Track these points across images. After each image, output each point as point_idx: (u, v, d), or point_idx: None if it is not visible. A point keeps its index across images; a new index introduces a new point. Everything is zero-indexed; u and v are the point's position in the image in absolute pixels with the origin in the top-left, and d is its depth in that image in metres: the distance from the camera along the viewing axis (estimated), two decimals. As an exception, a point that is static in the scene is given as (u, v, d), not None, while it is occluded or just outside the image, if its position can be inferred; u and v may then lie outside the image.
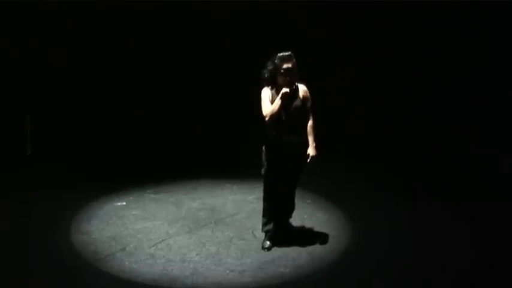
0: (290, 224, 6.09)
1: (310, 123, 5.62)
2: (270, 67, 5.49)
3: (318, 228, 6.30)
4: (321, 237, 6.04)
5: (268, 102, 5.49)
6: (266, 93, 5.53)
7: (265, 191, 5.78)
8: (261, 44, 8.50)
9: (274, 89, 5.53)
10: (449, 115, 8.86)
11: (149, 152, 8.55)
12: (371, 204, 6.96)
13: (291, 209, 5.96)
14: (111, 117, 9.01)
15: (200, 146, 8.69)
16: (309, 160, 5.57)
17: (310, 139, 5.60)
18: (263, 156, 5.67)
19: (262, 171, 5.70)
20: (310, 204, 6.94)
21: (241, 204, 6.98)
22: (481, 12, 8.50)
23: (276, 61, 5.45)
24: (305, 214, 6.62)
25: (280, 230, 5.85)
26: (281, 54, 5.45)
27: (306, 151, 5.60)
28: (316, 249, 5.79)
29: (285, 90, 5.39)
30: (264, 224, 5.85)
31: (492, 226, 6.38)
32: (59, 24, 8.72)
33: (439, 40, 8.94)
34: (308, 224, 6.39)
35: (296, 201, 5.97)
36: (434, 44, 8.97)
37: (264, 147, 5.66)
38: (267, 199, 5.79)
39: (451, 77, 8.89)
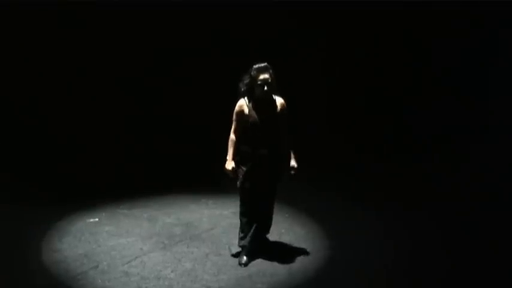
0: (267, 239, 6.15)
1: (287, 136, 5.73)
2: (246, 80, 5.58)
3: (296, 242, 6.37)
4: (299, 252, 6.10)
5: (236, 124, 5.63)
6: (240, 110, 5.61)
7: (241, 206, 5.85)
8: (235, 53, 8.65)
9: (251, 102, 5.61)
10: (422, 124, 9.02)
11: (122, 167, 8.53)
12: (349, 218, 7.03)
13: (269, 224, 6.02)
14: (81, 132, 8.97)
15: (174, 160, 8.70)
16: (292, 172, 5.73)
17: (291, 152, 5.74)
18: (237, 169, 5.73)
19: (238, 184, 5.77)
20: (288, 219, 7.01)
21: (217, 219, 7.02)
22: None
23: (252, 73, 5.55)
24: (283, 228, 6.68)
25: (257, 245, 5.91)
26: (257, 65, 5.54)
27: (280, 164, 5.72)
28: (294, 264, 5.85)
29: (228, 170, 5.67)
30: (241, 239, 5.92)
31: (467, 230, 6.61)
32: (18, 29, 8.72)
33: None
34: (286, 238, 6.45)
35: (273, 215, 6.03)
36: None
37: (237, 160, 5.72)
38: (243, 213, 5.85)
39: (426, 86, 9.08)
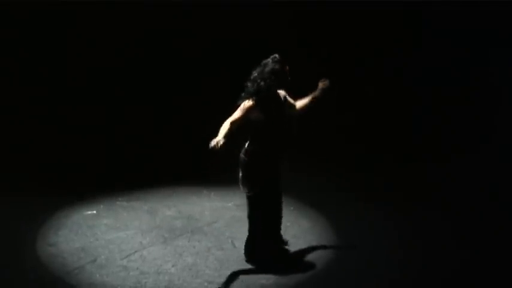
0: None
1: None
2: (273, 75, 5.23)
3: (301, 236, 6.34)
4: (304, 246, 6.08)
5: (240, 117, 5.19)
6: (253, 107, 5.22)
7: (256, 212, 5.56)
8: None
9: (259, 107, 5.24)
10: (434, 123, 9.04)
11: (121, 158, 8.51)
12: (356, 211, 7.02)
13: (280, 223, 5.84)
14: (77, 120, 8.96)
15: (174, 151, 8.67)
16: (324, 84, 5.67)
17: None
18: (245, 173, 5.42)
19: (243, 188, 5.50)
20: (293, 212, 6.96)
21: (219, 211, 6.98)
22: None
23: (276, 67, 5.26)
24: (288, 221, 6.63)
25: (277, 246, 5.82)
26: (275, 57, 5.30)
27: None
28: (299, 258, 5.84)
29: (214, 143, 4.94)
30: (254, 251, 5.71)
31: (477, 229, 6.58)
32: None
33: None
34: (291, 232, 6.40)
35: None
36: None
37: (245, 164, 5.41)
38: (262, 220, 5.59)
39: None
